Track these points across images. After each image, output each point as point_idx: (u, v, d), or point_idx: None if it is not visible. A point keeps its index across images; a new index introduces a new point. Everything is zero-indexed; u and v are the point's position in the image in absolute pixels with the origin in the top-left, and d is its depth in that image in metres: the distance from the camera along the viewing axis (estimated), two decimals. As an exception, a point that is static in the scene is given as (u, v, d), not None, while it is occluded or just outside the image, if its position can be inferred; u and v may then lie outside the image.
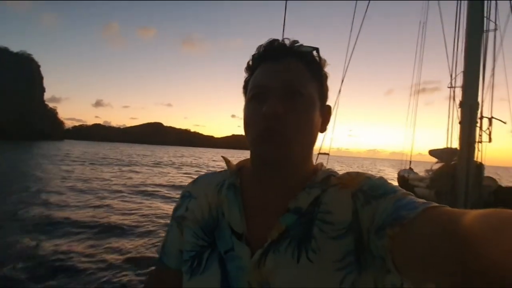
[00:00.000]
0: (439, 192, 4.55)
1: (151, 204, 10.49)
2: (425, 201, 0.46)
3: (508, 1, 5.01)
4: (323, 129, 0.64)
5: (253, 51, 0.65)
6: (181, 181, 17.26)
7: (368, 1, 5.46)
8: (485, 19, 4.58)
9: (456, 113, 4.85)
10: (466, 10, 4.71)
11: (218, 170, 0.74)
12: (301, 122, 0.57)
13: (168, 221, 0.74)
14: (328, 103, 0.67)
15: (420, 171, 8.41)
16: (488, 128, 4.51)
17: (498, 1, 4.82)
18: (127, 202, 10.58)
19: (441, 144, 5.99)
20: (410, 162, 10.67)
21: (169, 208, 9.72)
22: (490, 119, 4.56)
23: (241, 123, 0.64)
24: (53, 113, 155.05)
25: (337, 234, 0.53)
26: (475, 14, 4.50)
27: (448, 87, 5.62)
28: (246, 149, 0.64)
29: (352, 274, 0.51)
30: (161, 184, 15.81)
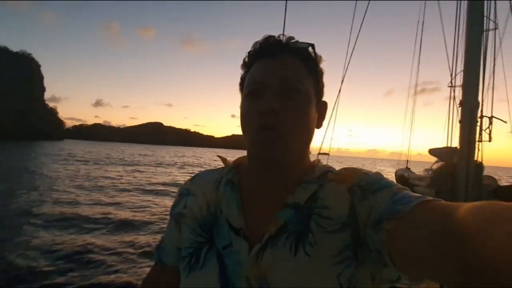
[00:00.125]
0: (439, 191, 4.54)
1: (160, 202, 10.75)
2: (420, 195, 0.47)
3: (508, 0, 5.03)
4: (319, 125, 0.65)
5: None
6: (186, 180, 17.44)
7: (368, 1, 5.44)
8: (485, 18, 4.58)
9: (456, 113, 4.84)
10: (465, 10, 4.70)
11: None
12: (298, 119, 0.57)
13: None
14: (328, 103, 0.67)
15: (419, 171, 8.53)
16: (488, 127, 4.51)
17: (497, 1, 4.81)
18: (136, 200, 10.83)
19: (440, 144, 5.90)
20: (407, 161, 11.03)
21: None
22: (490, 118, 4.55)
23: None
24: (53, 112, 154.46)
25: (334, 228, 0.54)
26: (475, 13, 4.51)
27: (448, 87, 5.57)
28: (246, 149, 0.63)
29: (349, 268, 0.52)
30: (166, 183, 16.06)
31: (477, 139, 4.46)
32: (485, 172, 4.63)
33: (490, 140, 4.54)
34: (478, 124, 4.49)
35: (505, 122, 5.01)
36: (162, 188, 14.27)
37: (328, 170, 0.63)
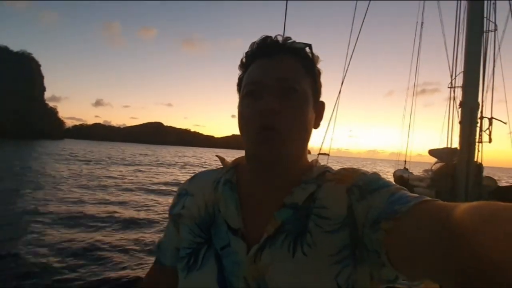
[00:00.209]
0: (439, 192, 4.57)
1: (163, 201, 10.84)
2: (417, 195, 0.47)
3: (508, 1, 5.12)
4: (316, 125, 0.65)
5: None
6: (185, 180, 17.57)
7: (368, 1, 5.43)
8: (484, 19, 4.61)
9: (456, 113, 4.87)
10: (465, 11, 4.74)
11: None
12: (295, 119, 0.57)
13: None
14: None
15: (419, 171, 8.60)
16: (488, 128, 4.55)
17: (497, 1, 4.88)
18: (139, 199, 10.96)
19: (440, 145, 6.02)
20: (405, 162, 11.18)
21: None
22: (490, 119, 4.59)
23: None
24: (53, 112, 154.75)
25: (333, 228, 0.54)
26: (475, 14, 4.53)
27: (448, 87, 5.66)
28: (244, 149, 0.63)
29: (347, 268, 0.52)
30: (169, 183, 16.19)
31: (477, 140, 4.49)
32: (485, 173, 4.68)
33: (490, 141, 4.59)
34: (478, 125, 4.53)
35: (505, 123, 5.07)
36: (164, 188, 14.39)
37: (326, 170, 0.63)
